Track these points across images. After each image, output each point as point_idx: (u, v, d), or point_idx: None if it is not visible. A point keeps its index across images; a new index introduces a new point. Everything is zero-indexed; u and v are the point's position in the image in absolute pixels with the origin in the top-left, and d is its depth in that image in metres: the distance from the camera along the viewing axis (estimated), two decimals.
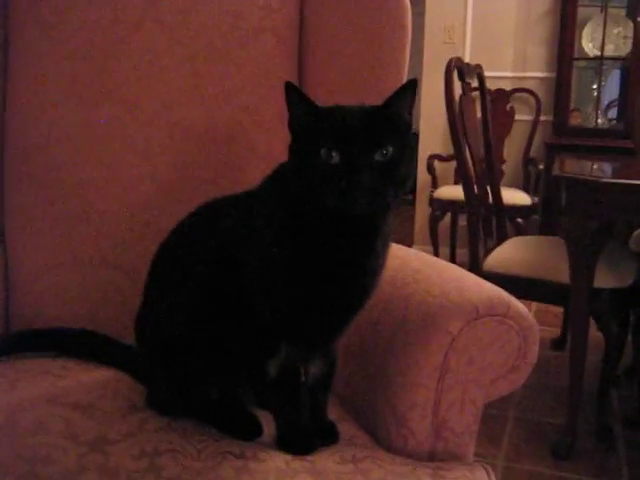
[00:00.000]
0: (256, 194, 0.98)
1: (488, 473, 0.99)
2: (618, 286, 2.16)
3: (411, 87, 0.87)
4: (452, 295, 1.03)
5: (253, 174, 1.26)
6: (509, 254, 2.45)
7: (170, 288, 1.01)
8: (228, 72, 1.40)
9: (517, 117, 4.20)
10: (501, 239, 2.65)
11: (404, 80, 1.40)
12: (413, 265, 1.17)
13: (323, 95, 1.41)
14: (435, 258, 1.23)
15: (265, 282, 0.91)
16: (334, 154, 0.82)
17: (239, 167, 1.39)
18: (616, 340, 2.26)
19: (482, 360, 1.00)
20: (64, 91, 1.38)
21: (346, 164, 0.82)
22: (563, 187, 2.08)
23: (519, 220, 3.66)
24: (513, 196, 3.68)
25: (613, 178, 2.16)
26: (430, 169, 4.17)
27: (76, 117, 1.37)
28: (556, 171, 2.31)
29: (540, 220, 3.80)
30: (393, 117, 0.86)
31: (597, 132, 4.01)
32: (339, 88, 1.40)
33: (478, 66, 2.70)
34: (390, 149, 0.84)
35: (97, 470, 0.87)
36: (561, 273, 2.16)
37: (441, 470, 0.96)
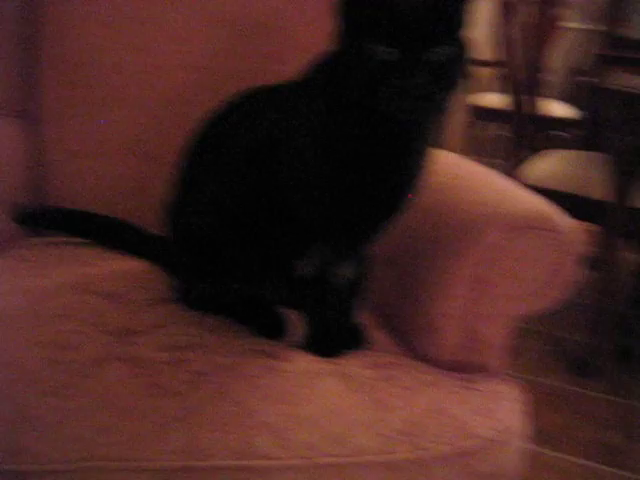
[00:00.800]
0: (300, 84, 0.91)
1: (518, 388, 0.98)
2: None
3: None
4: (491, 204, 0.98)
5: (293, 67, 1.20)
6: (547, 167, 2.38)
7: (204, 178, 0.98)
8: None
9: (565, 24, 3.99)
10: (541, 151, 2.57)
11: None
12: (453, 170, 1.12)
13: None
14: (479, 166, 1.17)
15: (302, 176, 0.88)
16: (388, 50, 0.76)
17: (279, 58, 1.32)
18: None
19: (518, 273, 0.95)
20: None
21: (401, 62, 0.75)
22: (616, 102, 1.98)
23: (562, 133, 3.54)
24: (557, 108, 3.55)
25: None
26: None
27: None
28: (607, 84, 2.21)
29: (584, 134, 3.68)
30: (452, 12, 0.79)
31: None
32: None
33: None
34: (447, 48, 0.77)
35: (123, 359, 0.86)
36: (599, 190, 2.11)
37: (471, 381, 0.94)
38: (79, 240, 1.24)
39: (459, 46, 0.80)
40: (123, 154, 1.33)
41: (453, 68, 0.79)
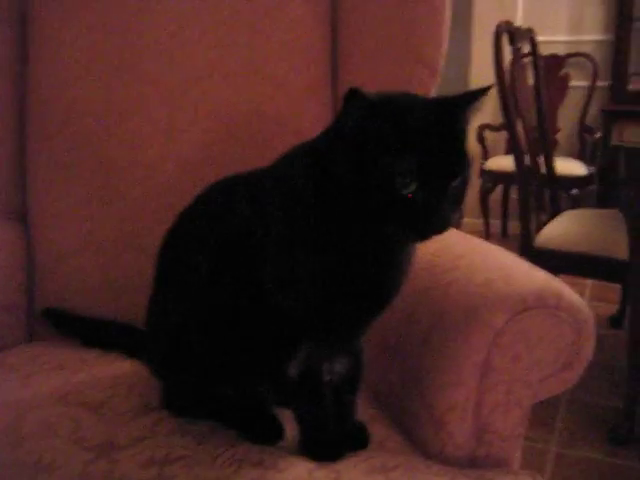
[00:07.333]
0: (274, 175, 0.86)
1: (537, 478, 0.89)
2: None
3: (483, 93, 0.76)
4: (497, 284, 0.92)
5: (282, 150, 1.17)
6: (563, 228, 2.32)
7: (179, 279, 0.92)
8: (254, 41, 1.30)
9: (572, 83, 3.99)
10: (555, 212, 2.52)
11: (446, 42, 1.27)
12: (455, 250, 1.06)
13: (358, 62, 1.31)
14: (481, 241, 1.11)
15: (283, 275, 0.81)
16: (412, 183, 0.71)
17: (268, 143, 1.29)
18: None
19: (530, 357, 0.89)
20: (83, 67, 1.32)
21: (426, 197, 0.71)
22: (622, 157, 1.94)
23: (574, 191, 3.49)
24: (568, 166, 3.51)
25: None
26: (480, 139, 4.00)
27: (96, 94, 1.31)
28: (615, 140, 2.17)
29: (597, 191, 3.62)
30: (464, 131, 0.75)
31: None
32: (375, 54, 1.29)
33: (530, 30, 2.56)
34: (465, 174, 0.74)
35: (102, 479, 0.80)
36: (618, 249, 2.04)
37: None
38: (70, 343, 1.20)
39: (470, 166, 0.76)
40: (118, 250, 1.29)
41: (465, 188, 0.75)
